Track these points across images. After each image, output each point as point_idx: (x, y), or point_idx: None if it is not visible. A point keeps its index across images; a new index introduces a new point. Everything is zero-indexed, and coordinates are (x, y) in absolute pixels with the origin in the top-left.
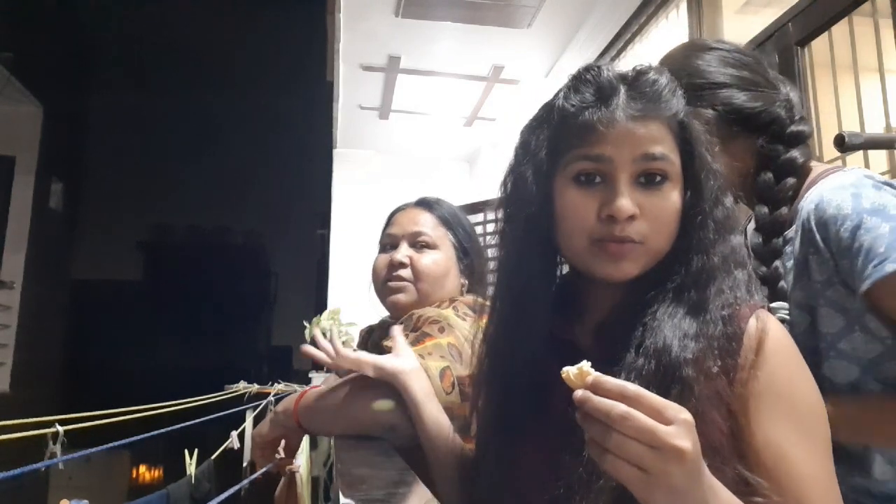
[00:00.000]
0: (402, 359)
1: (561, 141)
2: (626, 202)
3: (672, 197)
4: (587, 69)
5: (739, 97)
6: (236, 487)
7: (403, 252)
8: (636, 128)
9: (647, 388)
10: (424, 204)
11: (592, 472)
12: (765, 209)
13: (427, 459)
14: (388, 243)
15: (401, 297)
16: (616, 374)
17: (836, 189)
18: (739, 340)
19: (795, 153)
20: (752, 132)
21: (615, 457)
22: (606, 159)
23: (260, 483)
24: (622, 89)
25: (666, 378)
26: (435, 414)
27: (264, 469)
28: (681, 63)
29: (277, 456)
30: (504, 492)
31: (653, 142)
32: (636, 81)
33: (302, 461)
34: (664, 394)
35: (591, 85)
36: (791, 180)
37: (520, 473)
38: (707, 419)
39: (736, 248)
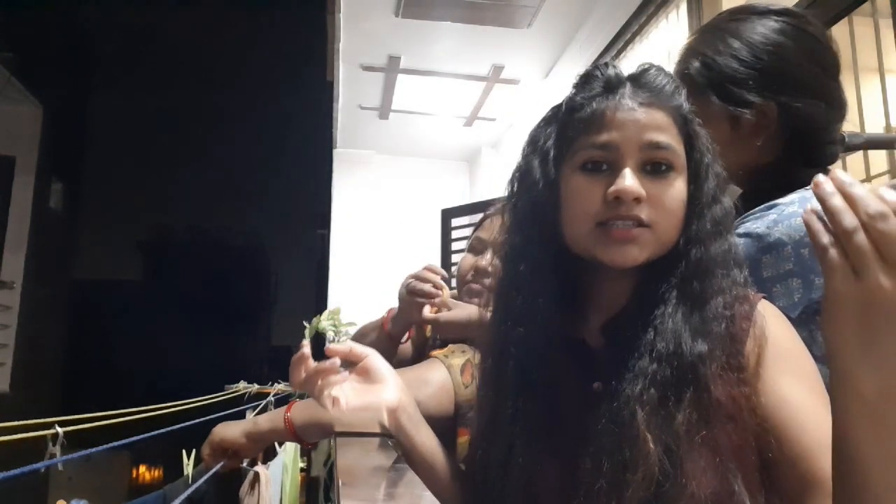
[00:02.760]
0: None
1: (569, 132)
2: (632, 183)
3: (678, 185)
4: (595, 66)
5: (821, 115)
6: (219, 467)
7: (489, 260)
8: (642, 116)
9: (661, 391)
10: None
11: (613, 478)
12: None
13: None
14: (477, 247)
15: (476, 303)
16: (629, 380)
17: (778, 205)
18: (746, 331)
19: (803, 177)
20: (792, 138)
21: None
22: (613, 147)
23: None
24: (627, 83)
25: (681, 380)
26: (425, 443)
27: (213, 470)
28: (774, 36)
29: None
30: (516, 498)
31: (658, 130)
32: (641, 77)
33: (287, 459)
34: (680, 395)
35: (598, 79)
36: (777, 195)
37: (533, 478)
38: (726, 413)
39: (734, 246)
